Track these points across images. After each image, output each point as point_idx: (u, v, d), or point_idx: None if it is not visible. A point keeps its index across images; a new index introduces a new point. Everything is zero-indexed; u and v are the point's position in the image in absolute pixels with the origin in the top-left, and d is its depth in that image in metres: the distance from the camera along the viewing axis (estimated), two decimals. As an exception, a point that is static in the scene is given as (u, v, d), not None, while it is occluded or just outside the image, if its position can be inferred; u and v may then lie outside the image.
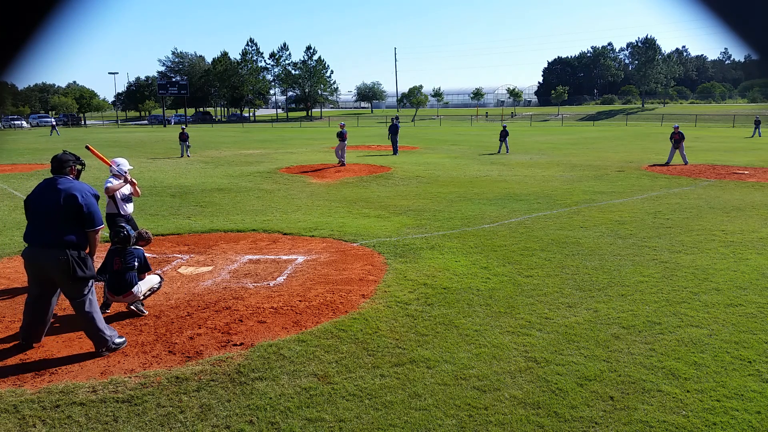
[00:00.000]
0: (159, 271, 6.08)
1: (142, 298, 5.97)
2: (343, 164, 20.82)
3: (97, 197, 5.16)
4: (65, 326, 5.63)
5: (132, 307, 5.93)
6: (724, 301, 6.21)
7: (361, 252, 8.47)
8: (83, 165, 5.32)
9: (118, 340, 5.12)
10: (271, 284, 6.96)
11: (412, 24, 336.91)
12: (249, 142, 36.67)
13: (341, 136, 21.29)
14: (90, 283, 5.03)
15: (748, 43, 0.76)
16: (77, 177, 5.24)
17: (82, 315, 4.99)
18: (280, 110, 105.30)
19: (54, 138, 44.11)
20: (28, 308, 5.09)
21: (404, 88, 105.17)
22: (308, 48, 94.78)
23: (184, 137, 25.89)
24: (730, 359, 4.78)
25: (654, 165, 20.52)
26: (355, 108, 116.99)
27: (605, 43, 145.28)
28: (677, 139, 20.59)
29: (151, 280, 6.13)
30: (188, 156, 25.77)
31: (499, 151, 26.80)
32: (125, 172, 6.85)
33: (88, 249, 5.05)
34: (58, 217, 4.85)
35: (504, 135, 26.93)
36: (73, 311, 5.08)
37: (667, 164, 20.45)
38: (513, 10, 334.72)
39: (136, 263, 5.93)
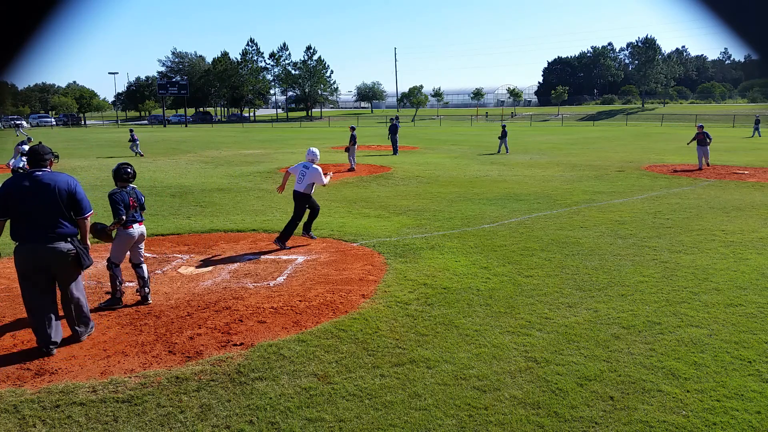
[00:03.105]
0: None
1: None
2: (351, 169, 19.50)
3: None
4: (65, 326, 5.62)
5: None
6: (724, 301, 6.21)
7: (361, 252, 8.47)
8: (57, 157, 5.44)
9: (92, 323, 5.46)
10: (271, 284, 6.96)
11: (412, 24, 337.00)
12: (249, 142, 36.68)
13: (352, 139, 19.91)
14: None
15: (748, 43, 0.76)
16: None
17: (76, 299, 5.18)
18: (280, 110, 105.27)
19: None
20: (35, 307, 5.00)
21: (404, 88, 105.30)
22: (308, 48, 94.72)
23: (133, 139, 27.25)
24: (730, 359, 4.78)
25: (677, 171, 18.48)
26: (355, 108, 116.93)
27: (605, 43, 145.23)
28: (701, 139, 18.70)
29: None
30: (141, 155, 26.60)
31: (498, 151, 26.79)
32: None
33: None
34: (56, 210, 4.92)
35: (503, 135, 26.89)
36: (69, 301, 5.17)
37: (699, 169, 18.51)
38: (513, 10, 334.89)
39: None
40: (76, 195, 5.05)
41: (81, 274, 5.28)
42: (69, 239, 5.04)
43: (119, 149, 31.07)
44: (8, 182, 5.00)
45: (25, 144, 18.33)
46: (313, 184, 9.18)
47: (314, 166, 9.16)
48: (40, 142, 5.52)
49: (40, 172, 5.03)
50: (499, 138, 27.10)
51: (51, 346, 5.00)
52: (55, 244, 4.93)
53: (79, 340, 5.23)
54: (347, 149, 20.37)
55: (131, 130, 30.06)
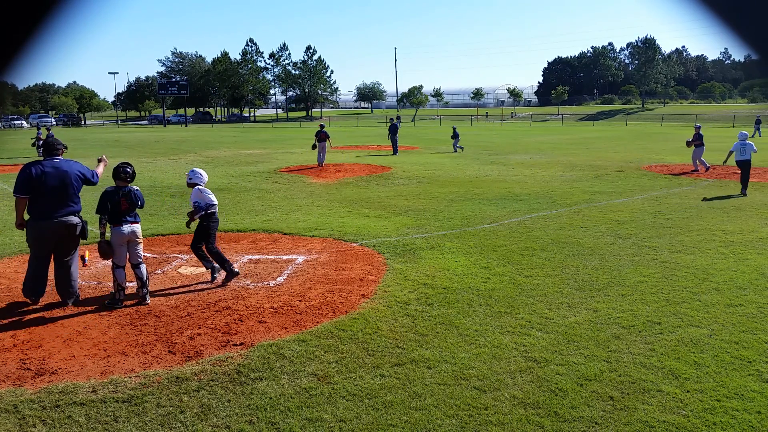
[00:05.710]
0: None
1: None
2: (319, 165, 20.44)
3: None
4: (65, 326, 5.64)
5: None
6: (724, 301, 6.21)
7: (361, 252, 8.47)
8: (66, 147, 6.53)
9: (77, 293, 6.28)
10: (271, 284, 6.96)
11: (412, 24, 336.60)
12: (249, 142, 36.67)
13: (320, 135, 20.74)
14: None
15: (748, 43, 0.76)
16: None
17: (72, 268, 6.19)
18: (280, 110, 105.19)
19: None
20: (38, 265, 6.06)
21: (404, 88, 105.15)
22: (308, 48, 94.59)
23: (38, 138, 24.39)
24: (730, 359, 4.78)
25: (682, 173, 18.58)
26: (355, 108, 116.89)
27: (605, 43, 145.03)
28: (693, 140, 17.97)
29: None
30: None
31: (455, 151, 26.87)
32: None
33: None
34: (71, 191, 6.11)
35: (455, 135, 27.36)
36: (65, 272, 6.16)
37: (695, 171, 17.94)
38: (513, 10, 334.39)
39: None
40: (86, 176, 6.36)
41: (77, 249, 6.38)
42: (76, 214, 6.19)
43: (119, 149, 31.08)
44: (31, 167, 5.98)
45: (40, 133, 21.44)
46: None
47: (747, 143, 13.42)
48: (52, 134, 6.36)
49: (57, 160, 6.15)
50: (452, 137, 27.60)
51: (37, 297, 6.13)
52: (68, 218, 6.09)
53: (67, 304, 6.13)
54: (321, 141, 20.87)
55: (38, 127, 29.88)
